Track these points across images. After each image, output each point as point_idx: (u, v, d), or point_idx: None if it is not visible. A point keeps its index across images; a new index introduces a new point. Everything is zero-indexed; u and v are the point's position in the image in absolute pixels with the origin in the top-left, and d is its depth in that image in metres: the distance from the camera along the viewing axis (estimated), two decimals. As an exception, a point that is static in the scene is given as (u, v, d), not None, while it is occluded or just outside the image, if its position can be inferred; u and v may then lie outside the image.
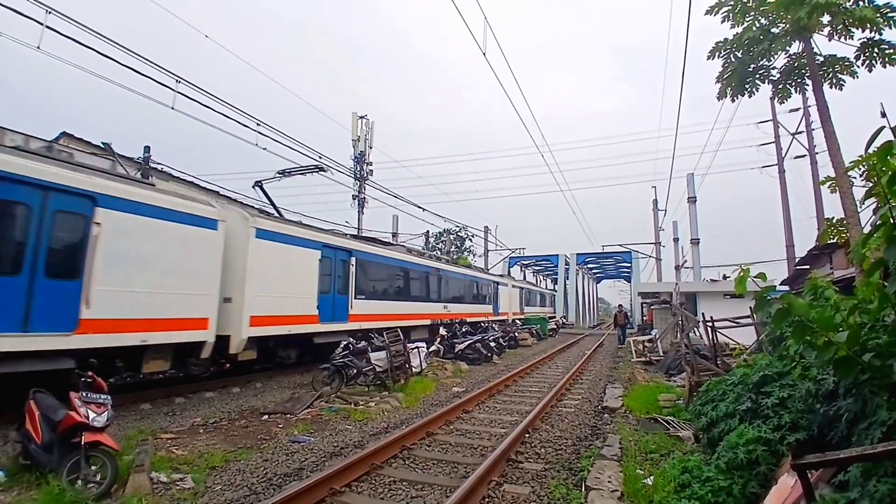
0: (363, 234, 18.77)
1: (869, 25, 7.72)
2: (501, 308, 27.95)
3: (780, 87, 9.46)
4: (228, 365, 10.37)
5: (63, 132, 12.93)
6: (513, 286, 31.69)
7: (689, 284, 23.00)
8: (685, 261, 30.62)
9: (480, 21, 9.97)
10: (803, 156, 20.62)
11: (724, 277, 20.41)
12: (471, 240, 43.59)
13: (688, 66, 10.03)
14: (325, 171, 13.32)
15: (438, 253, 30.29)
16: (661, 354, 15.19)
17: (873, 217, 2.73)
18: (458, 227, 34.35)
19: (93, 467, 4.31)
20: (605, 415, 7.95)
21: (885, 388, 2.67)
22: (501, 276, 33.24)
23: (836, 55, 8.55)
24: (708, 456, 4.62)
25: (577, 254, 46.69)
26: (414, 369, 10.81)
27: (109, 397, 4.67)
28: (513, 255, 44.42)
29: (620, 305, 27.90)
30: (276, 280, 10.18)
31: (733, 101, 9.62)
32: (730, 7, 8.59)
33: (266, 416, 7.61)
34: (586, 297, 60.05)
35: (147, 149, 15.59)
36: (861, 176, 7.53)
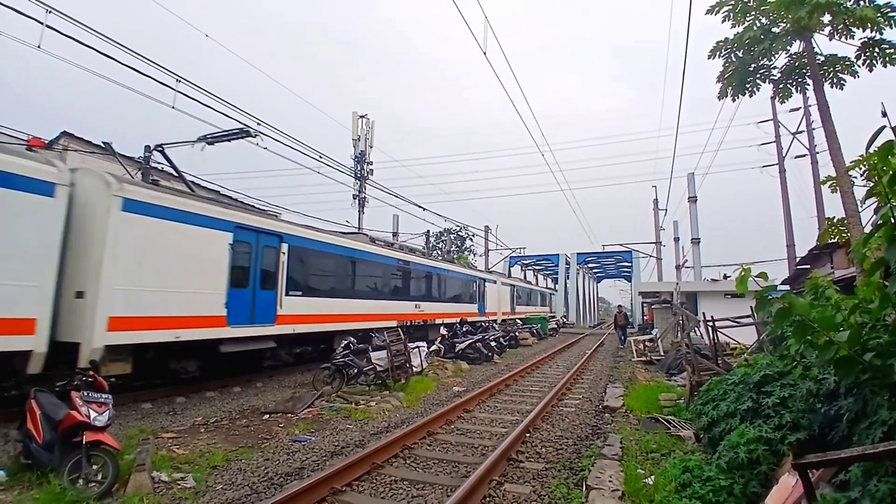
0: (363, 232, 18.60)
1: (869, 25, 7.71)
2: (489, 307, 25.93)
3: (780, 86, 9.45)
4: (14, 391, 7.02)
5: (63, 132, 12.94)
6: (502, 283, 29.84)
7: (689, 284, 22.98)
8: (686, 260, 30.61)
9: (480, 21, 9.98)
10: (804, 155, 20.62)
11: (725, 277, 20.39)
12: (471, 239, 43.66)
13: (688, 66, 10.03)
14: (254, 136, 11.25)
15: (439, 252, 30.19)
16: (662, 354, 15.19)
17: (874, 217, 2.73)
18: (458, 226, 34.34)
19: (94, 466, 4.32)
20: (606, 414, 7.95)
21: (886, 388, 2.67)
22: (490, 272, 31.39)
23: (836, 55, 8.55)
24: (709, 455, 4.63)
25: (578, 253, 46.66)
26: (414, 369, 10.82)
27: (111, 396, 4.68)
28: (513, 254, 44.43)
29: (620, 306, 27.76)
30: (157, 269, 7.87)
31: (734, 100, 9.63)
32: (730, 6, 8.58)
33: (267, 416, 7.62)
34: (587, 296, 60.03)
35: (147, 148, 15.61)
36: (862, 175, 7.52)
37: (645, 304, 30.57)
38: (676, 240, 34.91)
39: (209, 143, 11.11)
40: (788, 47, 8.85)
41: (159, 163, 14.18)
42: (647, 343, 17.05)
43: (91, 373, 4.79)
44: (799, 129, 20.78)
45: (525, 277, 48.75)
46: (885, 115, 2.63)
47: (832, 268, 13.37)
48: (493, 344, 16.30)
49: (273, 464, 5.34)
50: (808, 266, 16.48)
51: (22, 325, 6.19)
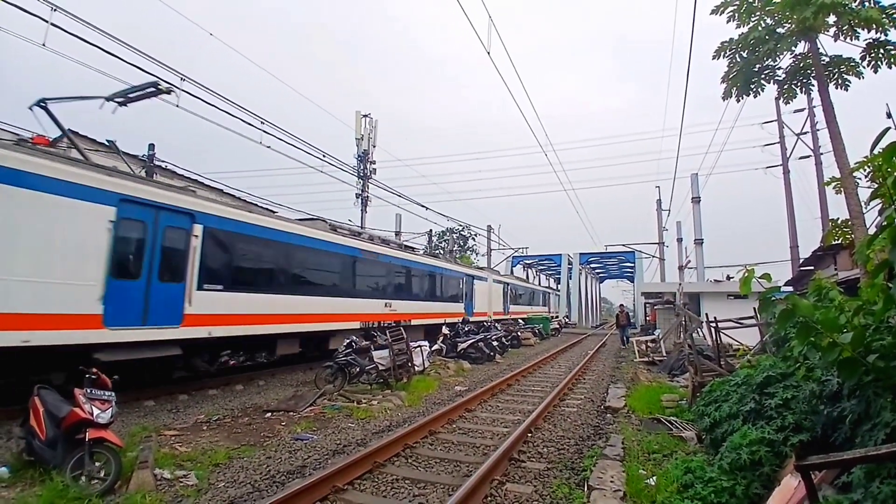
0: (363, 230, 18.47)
1: (875, 26, 7.67)
2: (477, 307, 23.70)
3: (785, 87, 9.41)
4: None
5: (67, 129, 12.97)
6: (494, 281, 27.49)
7: (692, 285, 22.95)
8: (689, 261, 30.58)
9: (484, 20, 9.98)
10: (808, 156, 20.58)
11: (728, 278, 20.39)
12: (474, 239, 43.62)
13: (692, 65, 10.01)
14: (167, 92, 9.55)
15: (441, 251, 30.06)
16: (665, 355, 15.16)
17: (878, 218, 2.72)
18: (461, 226, 34.30)
19: (96, 463, 4.33)
20: (608, 415, 7.94)
21: (889, 390, 2.67)
22: (480, 268, 28.96)
23: (841, 56, 8.51)
24: (711, 456, 4.62)
25: (580, 253, 46.63)
26: (416, 368, 10.84)
27: (113, 394, 4.70)
28: (516, 254, 44.41)
29: (622, 305, 27.61)
30: None
31: (738, 101, 9.58)
32: (735, 7, 8.55)
33: (269, 414, 7.63)
34: (589, 296, 59.96)
35: (151, 146, 15.71)
36: (866, 177, 7.47)
37: (647, 305, 30.51)
38: (679, 240, 34.87)
39: (121, 104, 9.14)
40: (793, 48, 8.81)
41: (162, 160, 14.17)
42: (649, 344, 17.02)
43: (94, 370, 4.81)
44: (803, 130, 20.75)
45: (528, 277, 48.71)
46: (889, 116, 2.62)
47: (836, 269, 13.31)
48: (494, 344, 16.32)
49: (275, 462, 5.36)
50: (812, 267, 16.42)
51: None
